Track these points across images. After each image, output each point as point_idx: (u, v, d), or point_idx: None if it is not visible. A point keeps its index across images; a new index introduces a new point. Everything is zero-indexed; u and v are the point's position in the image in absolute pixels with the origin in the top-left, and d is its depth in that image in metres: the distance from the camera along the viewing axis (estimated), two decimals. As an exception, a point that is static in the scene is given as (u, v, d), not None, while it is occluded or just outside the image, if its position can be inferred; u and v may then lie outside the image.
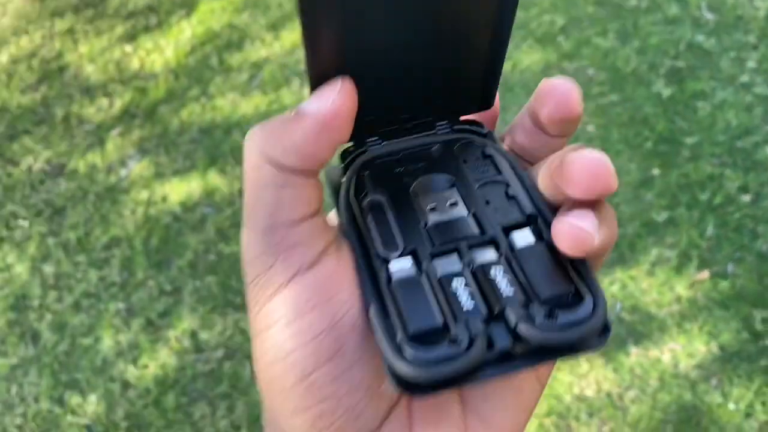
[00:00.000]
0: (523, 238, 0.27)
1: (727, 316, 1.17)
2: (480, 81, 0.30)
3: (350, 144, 0.31)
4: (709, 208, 1.29)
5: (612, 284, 1.23)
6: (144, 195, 1.54)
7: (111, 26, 1.89)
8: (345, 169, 0.30)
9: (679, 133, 1.40)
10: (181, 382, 1.29)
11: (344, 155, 0.31)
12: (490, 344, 0.24)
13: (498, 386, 0.27)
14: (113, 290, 1.42)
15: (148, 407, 1.27)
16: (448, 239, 0.27)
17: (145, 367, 1.31)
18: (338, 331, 0.25)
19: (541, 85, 0.28)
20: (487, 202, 0.28)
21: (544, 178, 0.27)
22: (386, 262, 0.27)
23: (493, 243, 0.27)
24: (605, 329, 0.24)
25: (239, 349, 1.30)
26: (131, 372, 1.31)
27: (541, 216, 0.27)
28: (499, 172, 0.29)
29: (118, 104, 1.72)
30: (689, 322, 1.18)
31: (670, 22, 1.57)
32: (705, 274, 1.21)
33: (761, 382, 1.10)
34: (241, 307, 1.35)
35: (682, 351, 1.15)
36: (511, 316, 0.24)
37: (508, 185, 0.29)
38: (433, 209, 0.28)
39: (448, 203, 0.28)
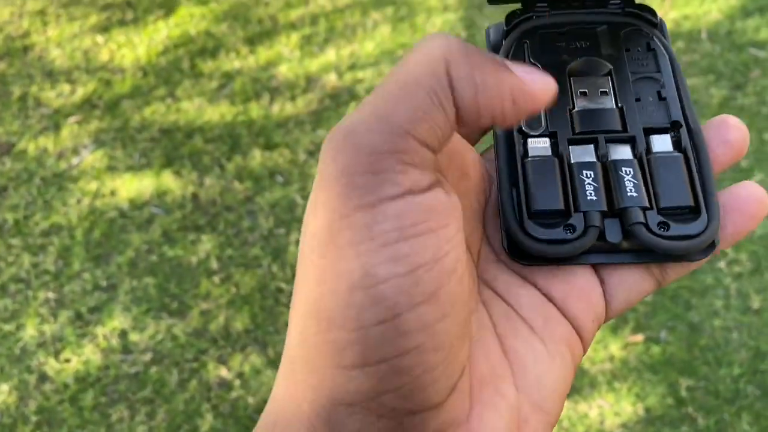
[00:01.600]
0: (662, 143, 0.27)
1: (655, 381, 1.20)
2: None
3: (518, 6, 0.30)
4: (649, 275, 1.33)
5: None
6: (93, 186, 1.50)
7: (85, 14, 1.86)
8: (507, 33, 0.30)
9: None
10: (103, 381, 1.24)
11: (510, 18, 0.30)
12: (601, 235, 0.26)
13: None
14: (45, 278, 1.37)
15: (63, 403, 1.21)
16: (589, 128, 0.28)
17: (67, 361, 1.26)
18: (439, 270, 0.21)
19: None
20: (638, 99, 0.28)
21: None
22: (526, 137, 0.28)
23: (631, 142, 0.28)
24: (711, 245, 0.26)
25: (168, 355, 1.26)
26: (51, 365, 1.25)
27: (686, 125, 0.28)
28: (658, 69, 0.29)
29: (80, 92, 1.68)
30: (619, 381, 1.20)
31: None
32: (639, 338, 1.25)
33: (680, 449, 1.13)
34: (177, 313, 1.32)
35: (610, 409, 1.17)
36: (629, 215, 0.26)
37: (663, 86, 0.29)
38: (583, 93, 0.29)
39: (600, 91, 0.29)
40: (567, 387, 0.26)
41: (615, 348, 1.24)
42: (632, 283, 0.27)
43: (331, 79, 1.68)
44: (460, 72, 0.22)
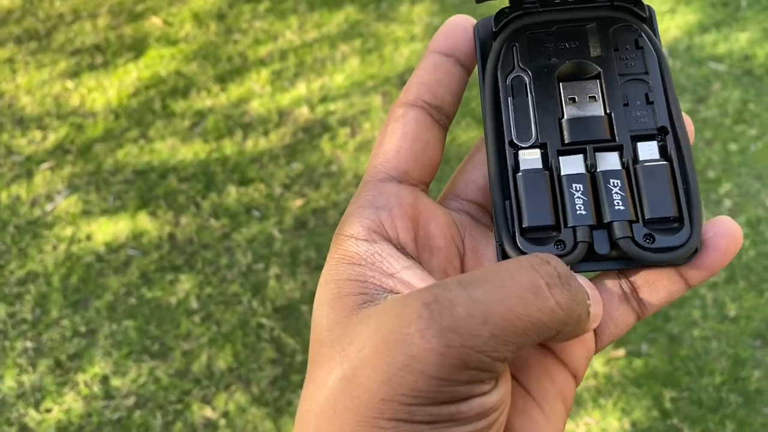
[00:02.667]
0: (648, 151, 0.29)
1: (639, 394, 1.21)
2: None
3: (506, 5, 0.30)
4: (627, 289, 1.35)
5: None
6: (68, 232, 1.49)
7: (54, 61, 1.86)
8: (496, 34, 0.30)
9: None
10: (86, 429, 1.22)
11: (499, 17, 0.30)
12: (590, 247, 0.27)
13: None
14: (23, 327, 1.35)
15: (45, 454, 1.19)
16: (578, 138, 0.29)
17: (48, 411, 1.24)
18: None
19: None
20: (626, 105, 0.29)
21: None
22: (517, 149, 0.29)
23: (619, 150, 0.29)
24: (695, 251, 0.28)
25: (152, 398, 1.25)
26: (32, 416, 1.23)
27: (672, 131, 0.29)
28: (646, 70, 0.30)
29: (52, 138, 1.68)
30: (604, 397, 1.21)
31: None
32: (620, 352, 1.26)
33: (669, 461, 1.14)
34: (158, 355, 1.30)
35: (597, 426, 1.18)
36: (616, 230, 0.27)
37: (650, 88, 0.29)
38: (572, 99, 0.29)
39: (588, 96, 0.29)
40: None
41: (598, 364, 1.25)
42: (618, 317, 0.29)
43: (303, 112, 1.69)
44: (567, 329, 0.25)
